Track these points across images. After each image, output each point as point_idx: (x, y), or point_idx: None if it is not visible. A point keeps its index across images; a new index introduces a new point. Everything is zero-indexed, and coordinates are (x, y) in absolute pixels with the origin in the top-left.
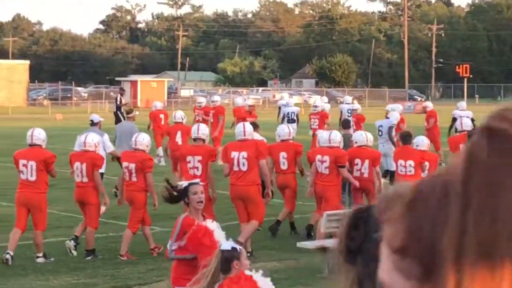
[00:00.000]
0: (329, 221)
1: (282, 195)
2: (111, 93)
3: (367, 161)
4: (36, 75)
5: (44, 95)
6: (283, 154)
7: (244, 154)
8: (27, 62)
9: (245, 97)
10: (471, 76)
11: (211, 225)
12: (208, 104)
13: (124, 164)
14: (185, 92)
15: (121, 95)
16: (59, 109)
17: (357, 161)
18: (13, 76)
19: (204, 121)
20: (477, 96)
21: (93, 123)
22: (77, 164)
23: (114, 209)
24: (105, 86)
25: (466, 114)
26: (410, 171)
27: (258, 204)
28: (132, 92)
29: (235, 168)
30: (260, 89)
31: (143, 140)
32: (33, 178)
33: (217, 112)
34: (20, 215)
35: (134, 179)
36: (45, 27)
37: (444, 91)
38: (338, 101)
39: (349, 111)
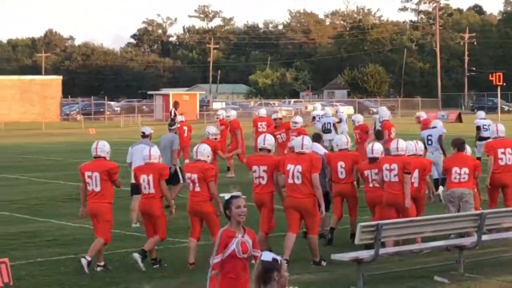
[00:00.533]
0: (364, 232)
1: (336, 204)
2: (144, 107)
3: (416, 171)
4: (69, 90)
5: (77, 110)
6: (341, 164)
7: (299, 168)
8: (60, 77)
9: (277, 109)
10: (504, 84)
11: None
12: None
13: (187, 175)
14: (217, 105)
15: (176, 108)
16: (92, 124)
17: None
18: (46, 91)
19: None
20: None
21: (144, 135)
22: (143, 177)
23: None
24: (137, 100)
25: (488, 122)
26: (464, 178)
27: (314, 216)
28: (164, 106)
29: (290, 181)
30: (292, 100)
31: (204, 150)
32: (98, 189)
33: (232, 127)
34: (94, 225)
35: (197, 189)
36: (77, 42)
37: (477, 100)
38: (371, 112)
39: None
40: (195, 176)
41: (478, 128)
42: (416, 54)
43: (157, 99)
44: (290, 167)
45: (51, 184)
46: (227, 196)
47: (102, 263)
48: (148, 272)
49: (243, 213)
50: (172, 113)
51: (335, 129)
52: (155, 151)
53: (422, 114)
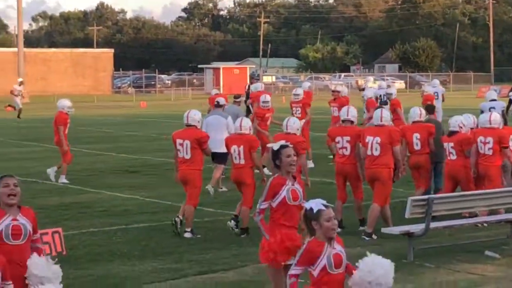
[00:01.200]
0: (414, 206)
1: (413, 176)
2: (194, 80)
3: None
4: (120, 63)
5: (128, 83)
6: (416, 135)
7: (378, 139)
8: (111, 50)
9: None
10: None
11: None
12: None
13: (233, 147)
14: (267, 79)
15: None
16: (143, 97)
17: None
18: (98, 64)
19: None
20: None
21: (218, 105)
22: (234, 147)
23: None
24: (187, 74)
25: None
26: None
27: (386, 187)
28: (215, 79)
29: (369, 152)
30: (343, 74)
31: (246, 124)
32: (188, 156)
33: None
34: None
35: (242, 161)
36: (128, 16)
37: None
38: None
39: (436, 94)
40: (240, 148)
41: (510, 101)
42: (469, 28)
43: (208, 73)
44: (369, 139)
45: (103, 155)
46: (275, 146)
47: (189, 229)
48: (199, 242)
49: (294, 162)
50: (246, 88)
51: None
52: (247, 122)
53: (427, 89)
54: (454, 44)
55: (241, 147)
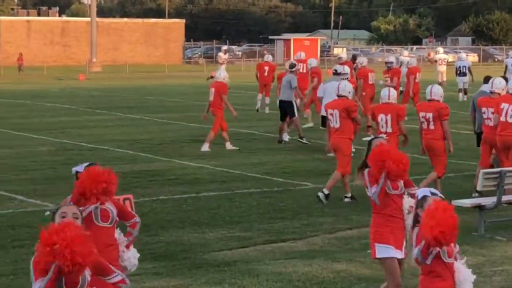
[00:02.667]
0: (486, 179)
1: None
2: (265, 52)
3: None
4: (191, 34)
5: (199, 53)
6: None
7: (430, 115)
8: (183, 21)
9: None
10: None
11: None
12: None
13: (380, 116)
14: (338, 51)
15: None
16: (214, 67)
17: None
18: (169, 35)
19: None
20: None
21: (336, 73)
22: (381, 116)
23: (268, 165)
24: (258, 45)
25: None
26: None
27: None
28: (285, 51)
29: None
30: (415, 47)
31: (438, 90)
32: (338, 125)
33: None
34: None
35: (389, 129)
36: None
37: None
38: (496, 59)
39: None
40: (430, 114)
41: None
42: None
43: (278, 44)
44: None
45: (174, 125)
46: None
47: (349, 194)
48: (268, 212)
49: None
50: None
51: (470, 72)
52: (394, 92)
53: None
54: None
55: (389, 116)
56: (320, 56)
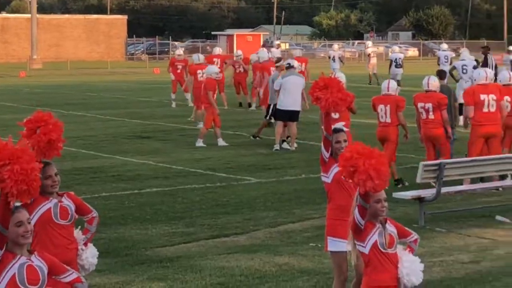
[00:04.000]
0: (426, 171)
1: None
2: (207, 48)
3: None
4: (134, 30)
5: (142, 49)
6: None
7: (430, 105)
8: (125, 17)
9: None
10: None
11: None
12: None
13: (380, 106)
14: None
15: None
16: (157, 63)
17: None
18: (111, 31)
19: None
20: None
21: (291, 66)
22: (381, 107)
23: (211, 160)
24: (201, 41)
25: None
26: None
27: (444, 143)
28: (228, 46)
29: (381, 119)
30: (356, 42)
31: (434, 82)
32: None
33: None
34: None
35: (388, 120)
36: None
37: None
38: (436, 54)
39: (446, 57)
40: (429, 105)
41: None
42: None
43: (221, 40)
44: (421, 104)
45: (116, 121)
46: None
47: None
48: (211, 207)
49: (342, 149)
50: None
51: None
52: (394, 84)
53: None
54: (468, 11)
55: (388, 107)
56: None
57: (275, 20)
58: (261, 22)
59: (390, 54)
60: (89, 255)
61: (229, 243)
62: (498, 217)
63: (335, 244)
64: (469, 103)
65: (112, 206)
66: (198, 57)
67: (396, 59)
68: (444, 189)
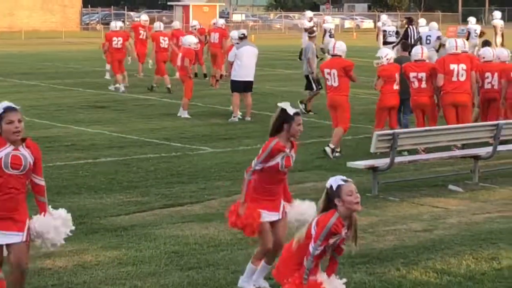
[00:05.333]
0: (380, 141)
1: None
2: (163, 18)
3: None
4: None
5: (97, 19)
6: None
7: (423, 74)
8: None
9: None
10: None
11: None
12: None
13: (413, 74)
14: (237, 17)
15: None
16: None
17: (488, 74)
18: (66, 0)
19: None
20: None
21: (244, 36)
22: (327, 70)
23: (166, 130)
24: (157, 11)
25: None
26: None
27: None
28: (184, 17)
29: (415, 86)
30: (312, 13)
31: (425, 52)
32: (336, 84)
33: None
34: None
35: (424, 85)
36: None
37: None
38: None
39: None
40: (422, 74)
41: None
42: None
43: (177, 10)
44: (413, 74)
45: (70, 91)
46: (290, 109)
47: (333, 146)
48: (165, 177)
49: (300, 132)
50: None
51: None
52: (341, 44)
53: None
54: None
55: (334, 70)
56: None
57: None
58: None
59: (323, 24)
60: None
61: (183, 212)
62: (451, 186)
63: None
64: (439, 72)
65: (66, 176)
66: (160, 25)
67: (329, 29)
68: (397, 159)
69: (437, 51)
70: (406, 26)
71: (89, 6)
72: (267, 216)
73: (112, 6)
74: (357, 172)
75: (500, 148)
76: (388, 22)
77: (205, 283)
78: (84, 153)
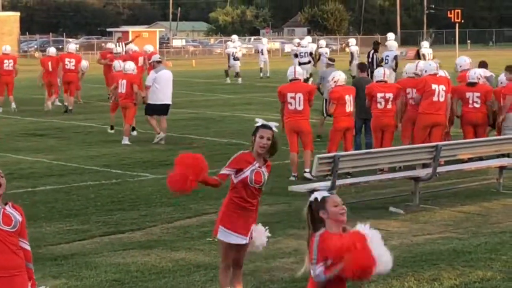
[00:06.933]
0: (321, 164)
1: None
2: (102, 44)
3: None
4: (27, 27)
5: (35, 47)
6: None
7: (390, 95)
8: (18, 13)
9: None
10: (463, 21)
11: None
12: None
13: (380, 94)
14: (177, 42)
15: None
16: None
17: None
18: (3, 28)
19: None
20: (469, 41)
21: (159, 61)
22: (291, 94)
23: (106, 157)
24: (96, 37)
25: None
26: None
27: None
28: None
29: (380, 106)
30: (252, 38)
31: (389, 73)
32: (301, 108)
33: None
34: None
35: (389, 106)
36: None
37: (436, 37)
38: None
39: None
40: (390, 95)
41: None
42: None
43: (116, 36)
44: (380, 94)
45: (8, 119)
46: (259, 122)
47: (308, 169)
48: (106, 204)
49: (264, 145)
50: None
51: None
52: (299, 69)
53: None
54: (362, 7)
55: (299, 94)
56: (159, 48)
57: (171, 16)
58: (157, 19)
59: (226, 49)
60: None
61: (124, 240)
62: (392, 208)
63: (225, 235)
64: (419, 92)
65: None
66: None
67: (232, 53)
68: (338, 181)
69: (395, 70)
70: (372, 49)
71: (27, 33)
72: (237, 239)
73: (50, 33)
74: (298, 197)
75: (440, 169)
76: (304, 43)
77: None
78: (23, 182)
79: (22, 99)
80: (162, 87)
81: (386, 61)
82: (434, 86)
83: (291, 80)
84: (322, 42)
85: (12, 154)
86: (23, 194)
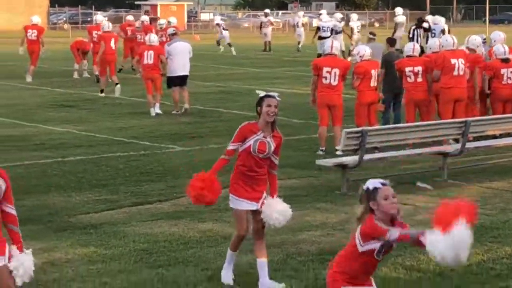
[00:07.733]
0: (349, 138)
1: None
2: (127, 17)
3: None
4: None
5: (65, 19)
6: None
7: (419, 68)
8: None
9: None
10: None
11: None
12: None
13: (408, 68)
14: (205, 16)
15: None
16: (79, 33)
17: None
18: (33, 0)
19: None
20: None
21: (174, 33)
22: (327, 69)
23: (134, 129)
24: (124, 10)
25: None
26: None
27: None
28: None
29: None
30: (280, 12)
31: (417, 48)
32: (336, 83)
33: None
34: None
35: (419, 79)
36: None
37: (466, 12)
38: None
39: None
40: (419, 68)
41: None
42: None
43: (144, 10)
44: (409, 68)
45: (39, 90)
46: (261, 93)
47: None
48: (134, 175)
49: (272, 113)
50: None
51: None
52: (337, 44)
53: None
54: None
55: (336, 69)
56: (188, 21)
57: None
58: None
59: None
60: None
61: (152, 210)
62: (419, 184)
63: (235, 202)
64: (438, 67)
65: (35, 174)
66: (108, 25)
67: (220, 24)
68: (366, 156)
69: None
70: (415, 26)
71: (57, 5)
72: (246, 205)
73: (79, 6)
74: (325, 170)
75: (469, 145)
76: (325, 18)
77: (175, 281)
78: (52, 152)
79: (51, 71)
80: (176, 59)
81: (433, 34)
82: (453, 61)
83: (326, 54)
84: (354, 16)
85: (42, 125)
86: (52, 164)
